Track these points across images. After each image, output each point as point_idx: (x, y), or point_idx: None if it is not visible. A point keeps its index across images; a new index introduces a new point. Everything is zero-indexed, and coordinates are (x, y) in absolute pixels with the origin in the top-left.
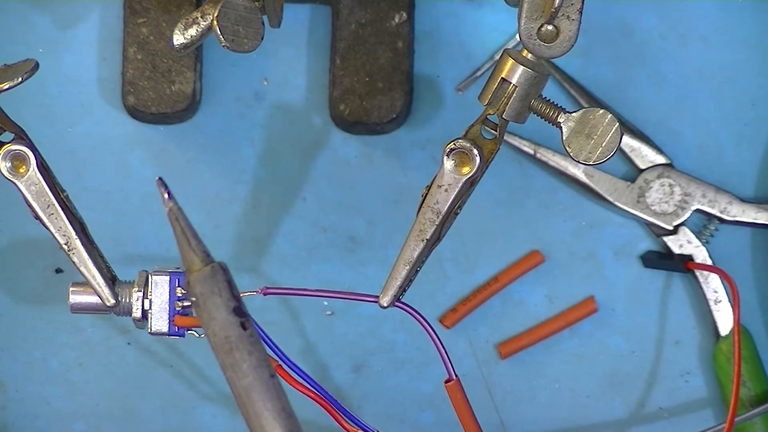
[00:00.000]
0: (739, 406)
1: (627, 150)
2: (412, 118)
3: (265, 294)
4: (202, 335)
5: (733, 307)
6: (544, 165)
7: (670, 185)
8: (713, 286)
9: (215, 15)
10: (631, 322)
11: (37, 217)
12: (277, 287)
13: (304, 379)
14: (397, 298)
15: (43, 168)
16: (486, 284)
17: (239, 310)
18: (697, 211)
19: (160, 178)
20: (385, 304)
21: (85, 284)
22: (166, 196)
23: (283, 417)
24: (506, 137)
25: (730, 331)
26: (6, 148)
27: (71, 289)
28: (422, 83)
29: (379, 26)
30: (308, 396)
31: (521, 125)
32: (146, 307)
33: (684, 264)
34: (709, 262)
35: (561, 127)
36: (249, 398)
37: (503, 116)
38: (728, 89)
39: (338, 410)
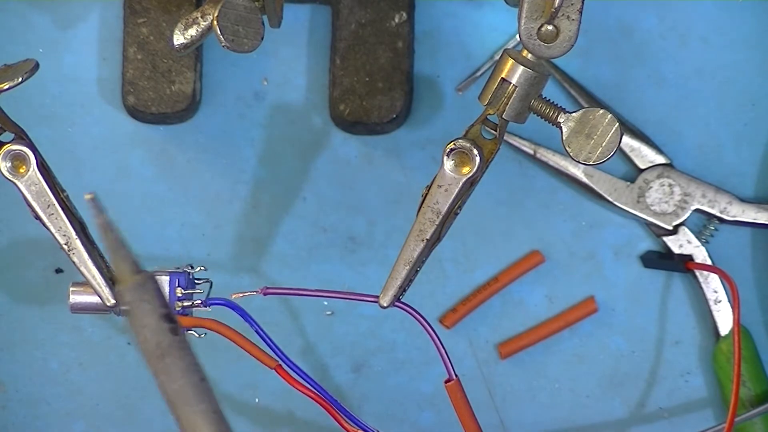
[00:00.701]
0: (739, 406)
1: (627, 150)
2: (412, 118)
3: (265, 294)
4: (203, 335)
5: (733, 307)
6: (544, 165)
7: (670, 185)
8: (713, 286)
9: (215, 15)
10: (631, 322)
11: (37, 217)
12: (277, 287)
13: (304, 379)
14: (397, 298)
15: (43, 168)
16: (486, 284)
17: (169, 317)
18: (697, 211)
19: (92, 196)
20: (385, 304)
21: (85, 284)
22: (97, 210)
23: (214, 419)
24: (506, 137)
25: (730, 331)
26: (6, 148)
27: (71, 289)
28: (422, 83)
29: (379, 26)
30: (308, 396)
31: (521, 125)
32: None
33: (684, 264)
34: (709, 262)
35: (561, 127)
36: (180, 401)
37: (503, 116)
38: (728, 89)
39: (338, 410)
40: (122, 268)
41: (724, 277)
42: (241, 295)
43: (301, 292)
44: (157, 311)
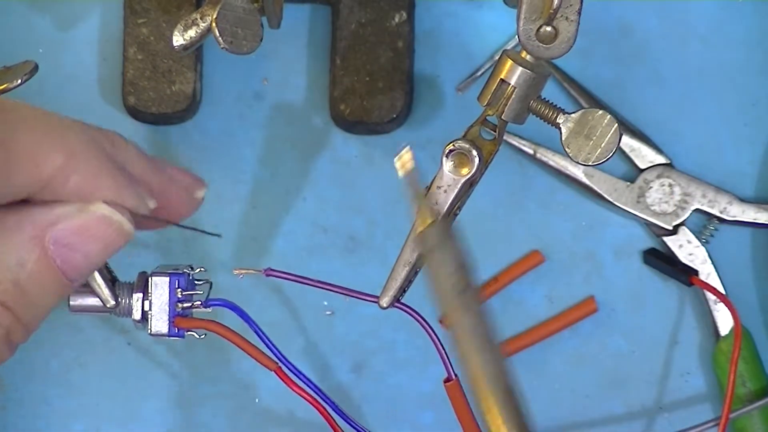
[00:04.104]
0: (738, 406)
1: (627, 150)
2: (412, 118)
3: (267, 275)
4: (203, 336)
5: (734, 338)
6: (544, 165)
7: (670, 185)
8: (713, 286)
9: (214, 17)
10: (631, 322)
11: None
12: (279, 271)
13: (302, 381)
14: (396, 299)
15: None
16: (486, 284)
17: (466, 267)
18: (697, 211)
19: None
20: (385, 305)
21: (85, 285)
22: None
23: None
24: (506, 137)
25: (730, 331)
26: None
27: None
28: (422, 83)
29: (379, 26)
30: (305, 399)
31: (521, 125)
32: (146, 308)
33: (689, 278)
34: (709, 262)
35: (560, 128)
36: (467, 339)
37: (502, 117)
38: (728, 89)
39: (337, 414)
40: (425, 214)
41: (728, 306)
42: (244, 271)
43: (302, 280)
44: (459, 257)
